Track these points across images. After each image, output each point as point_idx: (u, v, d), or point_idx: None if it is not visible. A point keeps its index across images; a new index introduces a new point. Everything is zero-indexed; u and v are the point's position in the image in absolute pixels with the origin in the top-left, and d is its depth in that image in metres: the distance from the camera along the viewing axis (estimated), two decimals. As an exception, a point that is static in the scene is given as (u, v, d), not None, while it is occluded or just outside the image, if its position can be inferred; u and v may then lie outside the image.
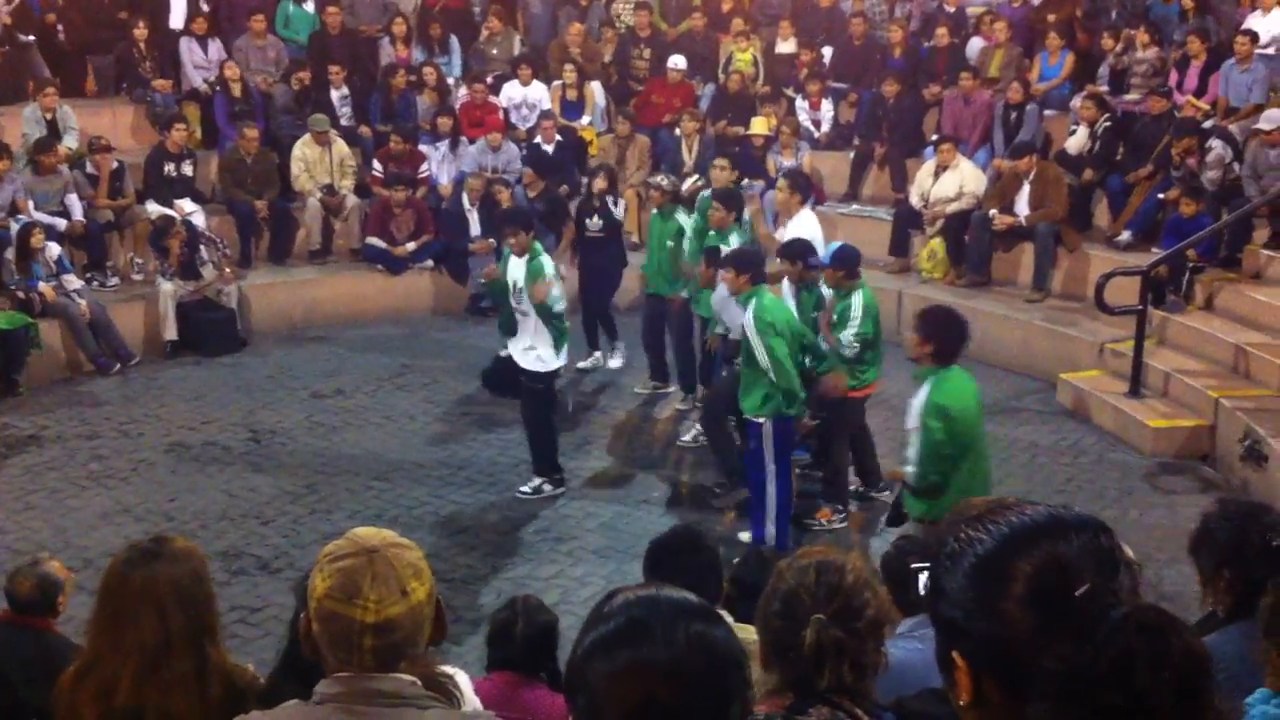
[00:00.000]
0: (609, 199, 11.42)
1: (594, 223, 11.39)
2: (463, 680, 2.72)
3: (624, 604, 1.85)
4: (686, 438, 9.95)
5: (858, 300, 8.40)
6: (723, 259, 8.58)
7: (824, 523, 8.59)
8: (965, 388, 6.54)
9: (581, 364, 11.43)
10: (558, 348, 8.74)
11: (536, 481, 8.98)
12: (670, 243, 10.52)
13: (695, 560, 4.28)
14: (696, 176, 12.40)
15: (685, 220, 10.54)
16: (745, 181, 13.19)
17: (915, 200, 12.86)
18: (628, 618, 1.82)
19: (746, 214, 10.59)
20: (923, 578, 3.63)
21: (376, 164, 13.56)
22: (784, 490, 8.05)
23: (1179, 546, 3.88)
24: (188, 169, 12.97)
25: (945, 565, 1.69)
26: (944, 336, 6.51)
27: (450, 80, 14.86)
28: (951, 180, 12.58)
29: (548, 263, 8.71)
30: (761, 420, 7.94)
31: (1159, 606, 1.61)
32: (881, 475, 8.93)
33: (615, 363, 11.59)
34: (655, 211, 10.82)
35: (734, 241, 9.49)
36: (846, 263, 8.46)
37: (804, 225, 9.78)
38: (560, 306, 8.62)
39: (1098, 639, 1.55)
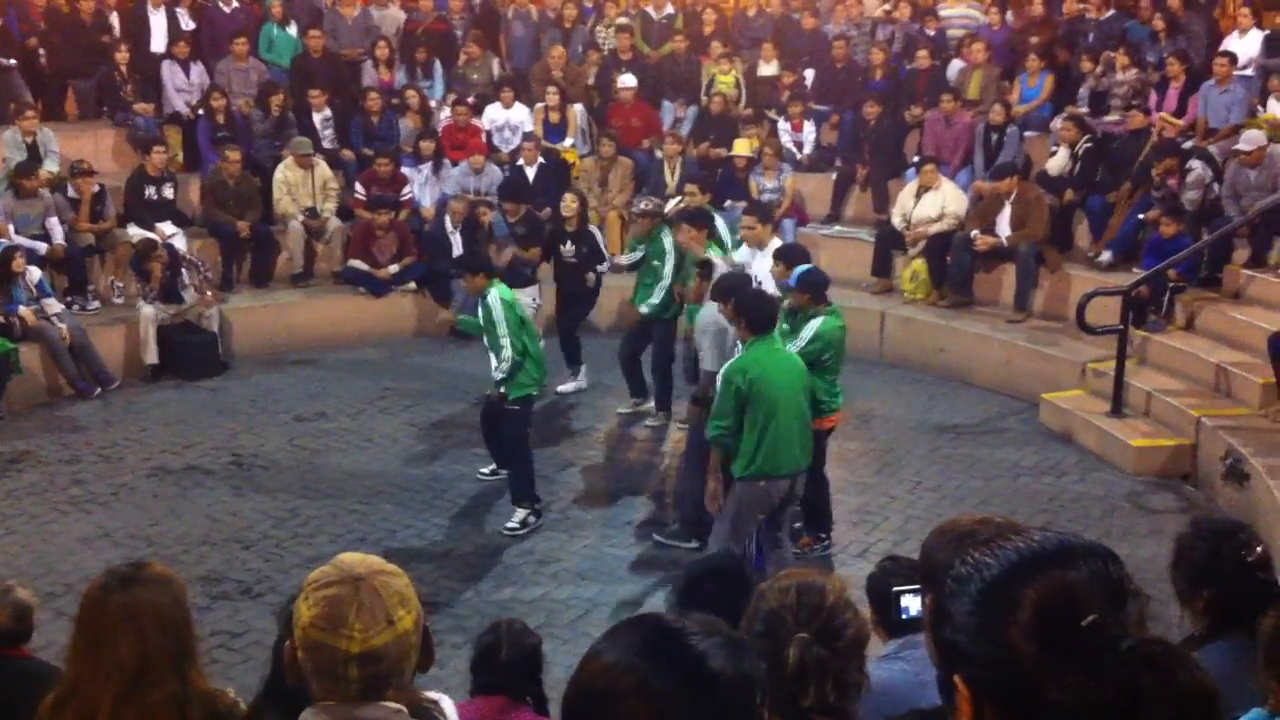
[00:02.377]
0: (592, 227, 11.38)
1: (568, 249, 11.36)
2: (448, 706, 2.70)
3: (636, 626, 1.85)
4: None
5: (813, 325, 8.01)
6: (713, 290, 8.23)
7: (805, 550, 8.31)
8: (765, 359, 7.08)
9: (561, 387, 11.40)
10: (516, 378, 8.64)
11: (521, 514, 8.83)
12: (656, 263, 10.52)
13: (735, 584, 4.24)
14: (680, 198, 12.42)
15: (668, 241, 10.54)
16: (727, 203, 13.25)
17: (897, 221, 12.92)
18: (638, 642, 1.82)
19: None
20: (905, 600, 3.63)
21: (359, 187, 13.56)
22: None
23: (1162, 566, 3.89)
24: (168, 192, 12.95)
25: (951, 589, 1.67)
26: (749, 312, 7.15)
27: (433, 103, 14.88)
28: (933, 201, 12.64)
29: (494, 304, 8.57)
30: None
31: (1166, 640, 1.60)
32: (830, 521, 8.65)
33: (567, 387, 11.47)
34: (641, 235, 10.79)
35: (720, 261, 9.43)
36: (812, 288, 8.19)
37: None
38: (506, 354, 8.53)
39: (1103, 671, 1.54)
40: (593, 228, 11.66)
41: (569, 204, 11.41)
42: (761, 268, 9.15)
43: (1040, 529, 1.70)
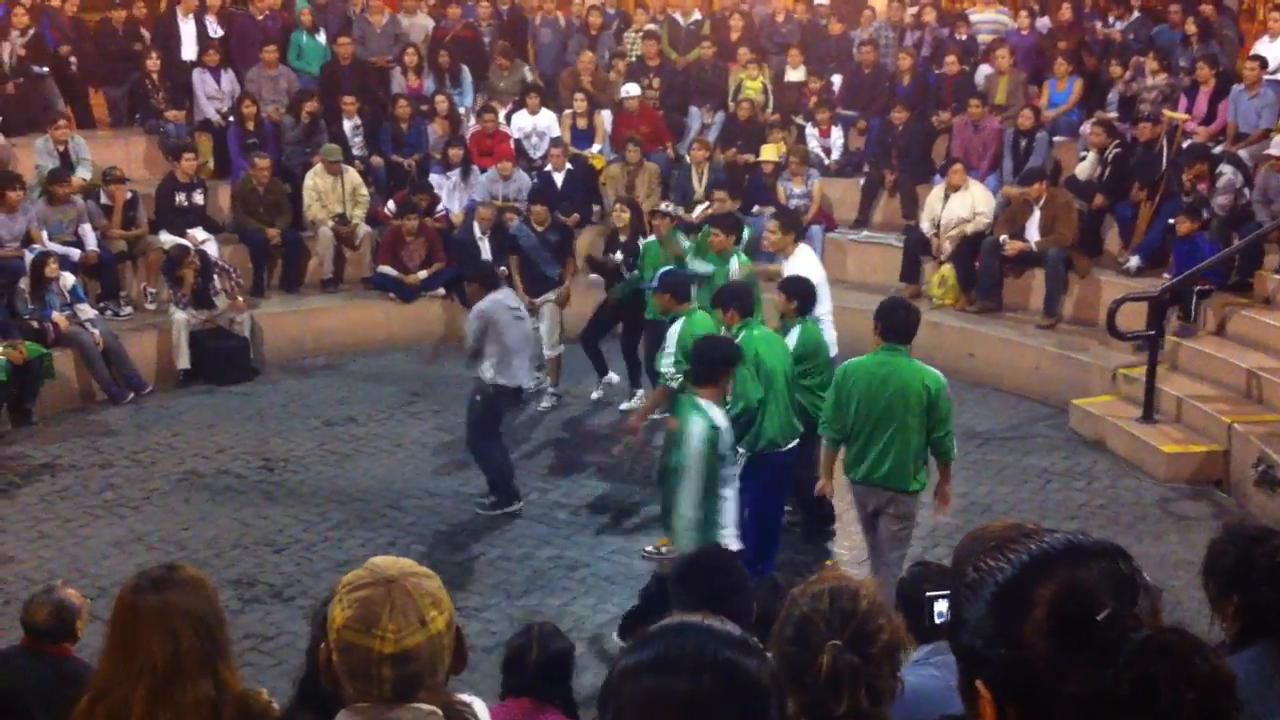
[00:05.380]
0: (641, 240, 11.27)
1: (616, 257, 11.33)
2: (480, 708, 2.72)
3: (661, 631, 1.87)
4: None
5: (676, 328, 8.25)
6: (714, 297, 8.31)
7: (661, 550, 8.16)
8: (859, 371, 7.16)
9: (625, 405, 11.27)
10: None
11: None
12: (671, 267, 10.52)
13: (725, 580, 4.27)
14: (708, 203, 12.42)
15: (685, 244, 10.57)
16: (755, 208, 13.26)
17: (926, 226, 12.88)
18: (661, 646, 1.84)
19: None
20: (938, 605, 3.62)
21: (392, 204, 13.60)
22: (754, 527, 7.54)
23: (1193, 573, 3.87)
24: (199, 198, 13.04)
25: (966, 595, 1.69)
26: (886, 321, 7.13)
27: (462, 110, 14.93)
28: (962, 201, 12.61)
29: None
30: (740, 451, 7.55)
31: (1181, 628, 1.61)
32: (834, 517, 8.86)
33: (595, 394, 11.47)
34: (654, 238, 10.79)
35: (734, 266, 9.47)
36: (671, 287, 8.46)
37: (801, 263, 9.25)
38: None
39: (1120, 662, 1.55)
40: (641, 240, 11.47)
41: (620, 214, 11.37)
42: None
43: (1049, 530, 1.72)
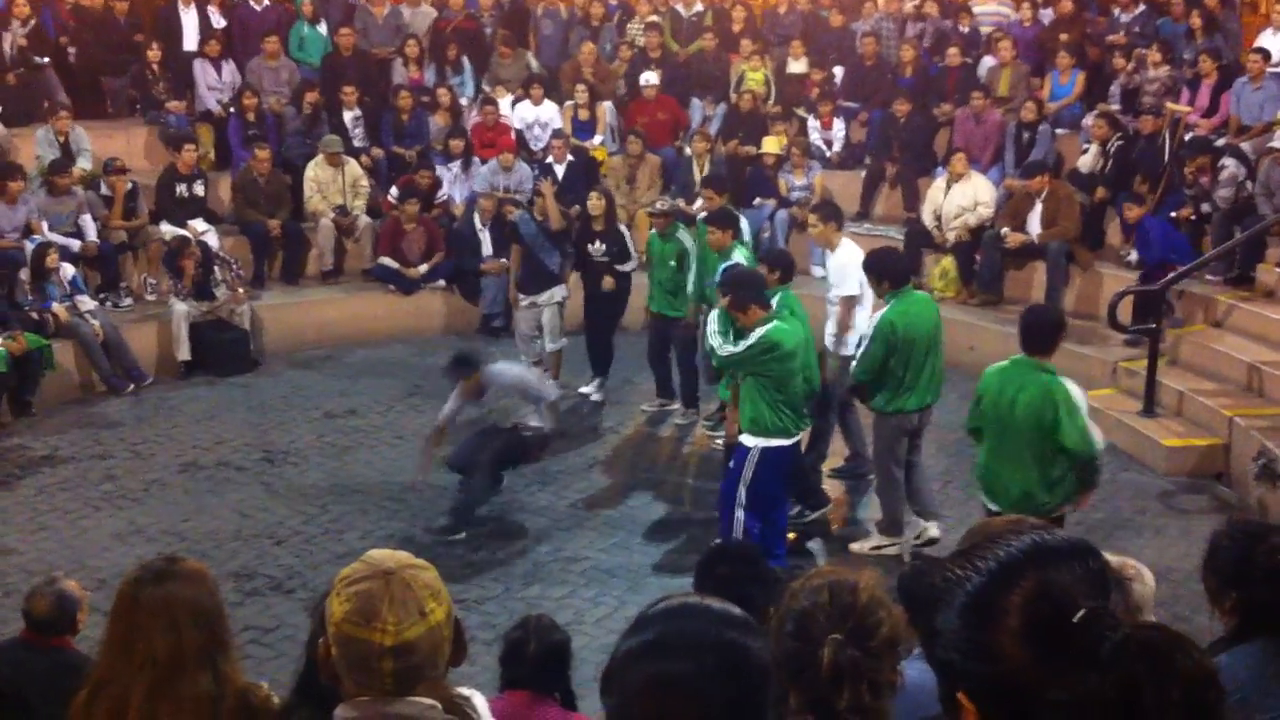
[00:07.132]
0: (621, 226, 11.25)
1: (596, 248, 11.25)
2: (479, 702, 2.71)
3: (661, 613, 1.86)
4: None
5: (715, 311, 8.23)
6: (720, 285, 8.25)
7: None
8: (909, 310, 8.05)
9: (584, 389, 11.41)
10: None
11: None
12: (673, 263, 10.52)
13: (751, 570, 4.27)
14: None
15: (688, 240, 10.55)
16: (756, 201, 13.24)
17: (928, 218, 12.86)
18: (661, 629, 1.82)
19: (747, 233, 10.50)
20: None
21: (395, 191, 13.59)
22: (755, 522, 7.69)
23: (1194, 566, 3.87)
24: (199, 189, 13.03)
25: (937, 606, 1.66)
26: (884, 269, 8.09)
27: (464, 101, 14.91)
28: (964, 191, 12.59)
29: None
30: (750, 445, 7.72)
31: (1161, 624, 1.59)
32: (827, 498, 9.11)
33: (595, 396, 11.36)
34: (655, 232, 10.76)
35: (738, 258, 9.46)
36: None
37: (846, 255, 9.20)
38: None
39: (1101, 664, 1.53)
40: (621, 226, 11.57)
41: (595, 202, 11.31)
42: (831, 268, 9.40)
43: (1015, 530, 1.68)
